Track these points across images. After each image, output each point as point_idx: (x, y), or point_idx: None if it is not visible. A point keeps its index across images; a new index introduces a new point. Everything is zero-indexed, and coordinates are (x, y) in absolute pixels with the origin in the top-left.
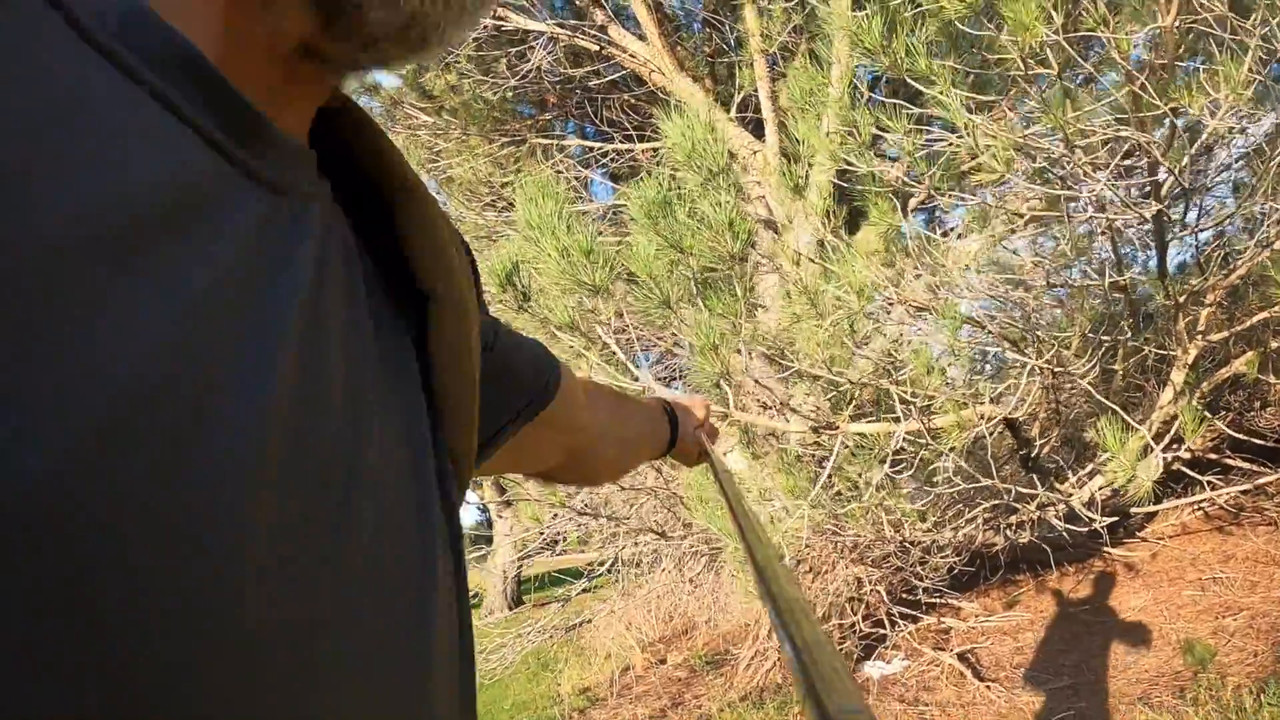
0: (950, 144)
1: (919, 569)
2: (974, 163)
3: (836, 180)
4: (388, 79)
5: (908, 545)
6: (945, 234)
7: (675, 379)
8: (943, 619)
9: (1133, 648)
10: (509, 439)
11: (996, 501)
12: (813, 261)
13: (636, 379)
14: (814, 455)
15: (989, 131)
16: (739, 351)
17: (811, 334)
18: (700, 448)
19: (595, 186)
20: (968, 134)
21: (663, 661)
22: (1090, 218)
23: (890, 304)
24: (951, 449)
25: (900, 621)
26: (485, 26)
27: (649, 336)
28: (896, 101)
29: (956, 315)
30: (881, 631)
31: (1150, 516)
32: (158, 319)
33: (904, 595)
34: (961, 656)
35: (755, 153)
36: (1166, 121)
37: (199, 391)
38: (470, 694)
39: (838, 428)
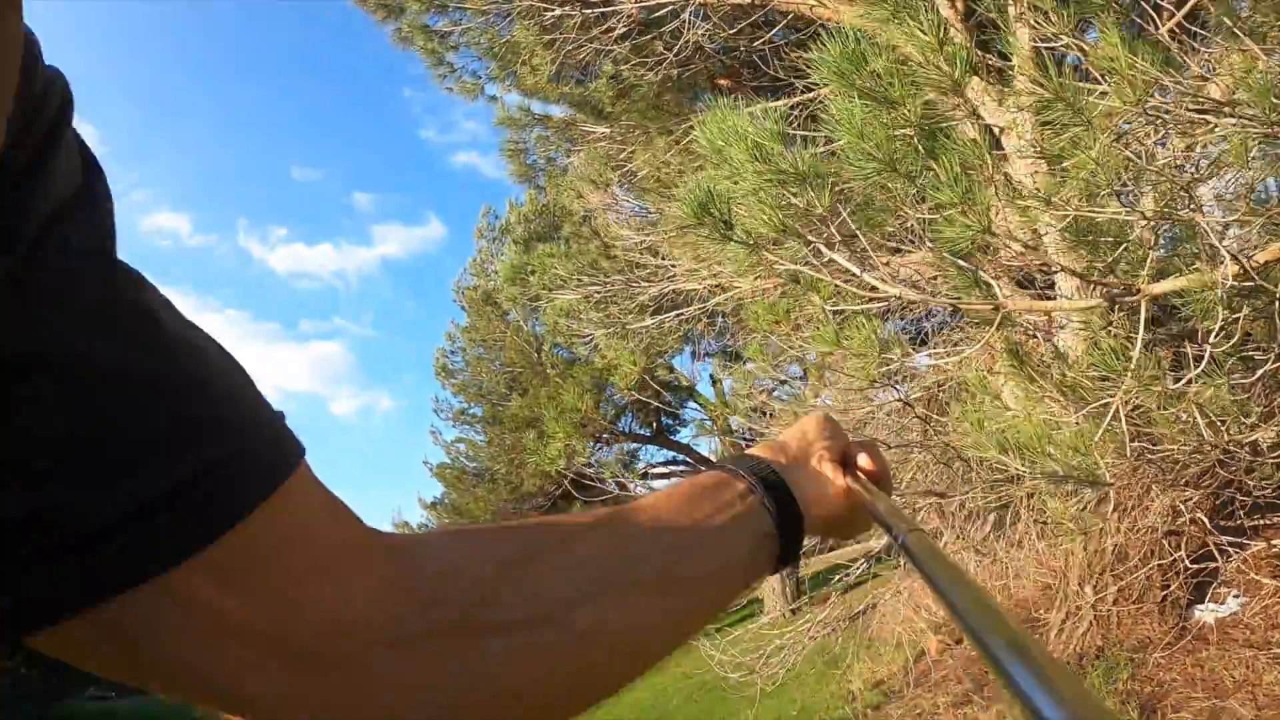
0: None
1: (1245, 481)
2: None
3: None
4: (554, 109)
5: (1230, 451)
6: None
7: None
8: (1275, 541)
9: None
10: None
11: None
12: (1048, 78)
13: (870, 284)
14: (1113, 350)
15: None
16: (993, 208)
17: (1082, 164)
18: (857, 502)
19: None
20: None
21: (959, 642)
22: None
23: (1166, 110)
24: None
25: (1230, 550)
26: (632, 14)
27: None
28: None
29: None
30: (1210, 565)
31: None
32: None
33: (1224, 522)
34: None
35: None
36: None
37: None
38: None
39: (1139, 291)
